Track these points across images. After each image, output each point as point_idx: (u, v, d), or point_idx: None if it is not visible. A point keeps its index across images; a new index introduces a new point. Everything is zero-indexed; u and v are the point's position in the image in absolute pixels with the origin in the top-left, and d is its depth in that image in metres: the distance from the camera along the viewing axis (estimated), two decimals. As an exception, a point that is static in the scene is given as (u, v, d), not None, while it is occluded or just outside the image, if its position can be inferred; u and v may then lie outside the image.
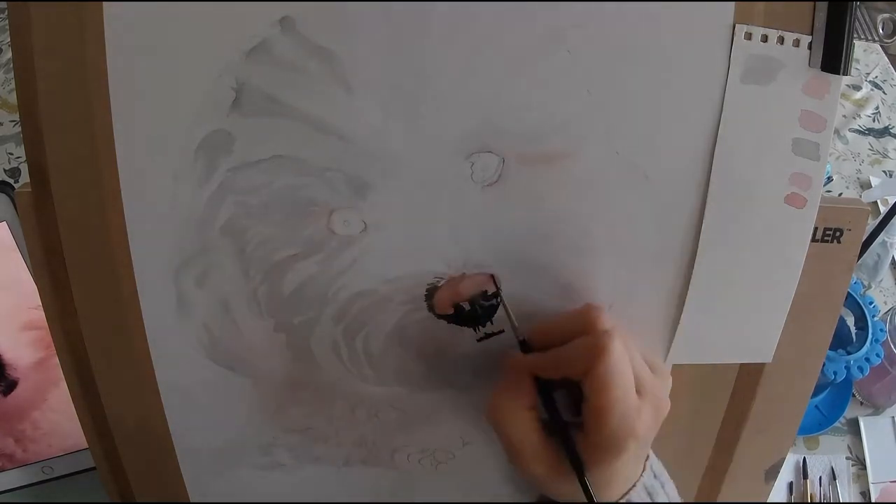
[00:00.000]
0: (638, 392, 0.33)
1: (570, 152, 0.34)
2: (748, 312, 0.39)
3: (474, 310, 0.37)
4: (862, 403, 0.66)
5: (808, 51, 0.33)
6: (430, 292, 0.36)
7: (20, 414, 0.51)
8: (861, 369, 0.59)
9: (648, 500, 0.35)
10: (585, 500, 0.33)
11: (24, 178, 0.72)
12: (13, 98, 0.76)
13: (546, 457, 0.34)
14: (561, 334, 0.34)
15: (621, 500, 0.34)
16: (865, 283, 0.71)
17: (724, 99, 0.34)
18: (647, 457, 0.37)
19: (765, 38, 0.33)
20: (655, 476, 0.36)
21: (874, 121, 0.90)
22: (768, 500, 0.48)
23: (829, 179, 0.83)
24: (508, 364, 0.35)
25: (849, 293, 0.58)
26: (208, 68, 0.31)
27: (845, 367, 0.58)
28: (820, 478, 0.61)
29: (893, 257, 0.72)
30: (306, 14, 0.31)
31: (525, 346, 0.35)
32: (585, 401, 0.32)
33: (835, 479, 0.61)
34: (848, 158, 0.86)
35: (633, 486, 0.35)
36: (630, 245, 0.37)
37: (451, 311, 0.37)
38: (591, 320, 0.34)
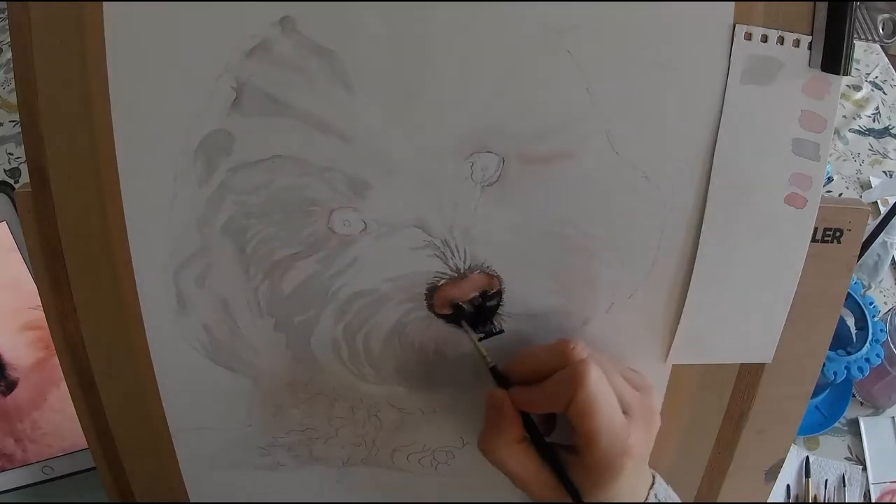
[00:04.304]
0: (625, 412, 0.33)
1: (570, 152, 0.34)
2: (748, 312, 0.39)
3: (474, 310, 0.37)
4: (862, 404, 0.66)
5: (808, 51, 0.33)
6: (430, 292, 0.36)
7: (20, 414, 0.51)
8: (861, 370, 0.59)
9: None
10: None
11: (24, 178, 0.72)
12: (13, 98, 0.76)
13: (546, 481, 0.34)
14: (537, 367, 0.35)
15: None
16: (865, 283, 0.71)
17: (724, 99, 0.34)
18: (652, 484, 0.37)
19: (765, 38, 0.33)
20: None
21: (874, 121, 0.90)
22: (768, 501, 0.48)
23: (830, 179, 0.83)
24: (490, 401, 0.35)
25: (849, 293, 0.58)
26: (208, 68, 0.31)
27: (845, 367, 0.58)
28: (826, 480, 0.61)
29: (893, 257, 0.72)
30: (306, 14, 0.31)
31: (497, 374, 0.36)
32: (573, 429, 0.33)
33: (844, 486, 0.61)
34: (848, 159, 0.86)
35: None
36: (630, 245, 0.37)
37: (450, 311, 0.37)
38: (565, 353, 0.34)
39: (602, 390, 0.32)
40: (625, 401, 0.34)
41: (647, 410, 0.35)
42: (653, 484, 0.37)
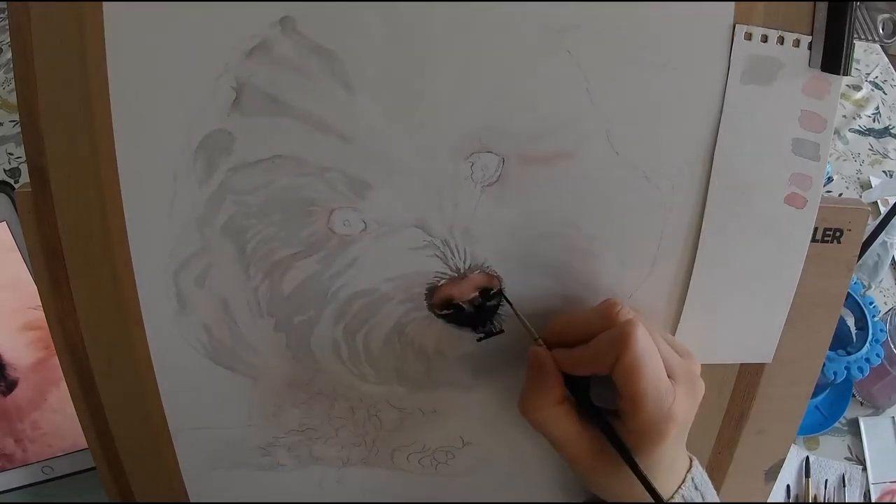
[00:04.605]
0: (670, 377, 0.32)
1: (570, 152, 0.34)
2: (748, 312, 0.39)
3: (474, 310, 0.37)
4: (862, 404, 0.66)
5: (808, 51, 0.33)
6: (430, 291, 0.36)
7: (20, 414, 0.51)
8: (861, 370, 0.59)
9: None
10: (629, 498, 0.33)
11: (24, 178, 0.72)
12: (13, 98, 0.76)
13: (587, 445, 0.34)
14: (581, 331, 0.34)
15: None
16: (865, 283, 0.71)
17: (724, 99, 0.34)
18: (690, 467, 0.36)
19: (765, 38, 0.33)
20: (696, 487, 0.36)
21: (874, 121, 0.90)
22: (768, 501, 0.48)
23: (830, 180, 0.83)
24: (532, 360, 0.35)
25: (849, 293, 0.58)
26: (208, 68, 0.31)
27: (845, 367, 0.58)
28: (826, 480, 0.61)
29: (893, 257, 0.72)
30: (306, 14, 0.31)
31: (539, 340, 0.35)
32: (618, 391, 0.32)
33: (844, 486, 0.61)
34: (848, 159, 0.86)
35: (672, 497, 0.35)
36: (630, 245, 0.37)
37: (450, 311, 0.37)
38: (611, 314, 0.33)
39: (649, 352, 0.31)
40: (670, 365, 0.33)
41: (691, 375, 0.34)
42: (690, 467, 0.36)
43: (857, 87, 0.93)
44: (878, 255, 0.70)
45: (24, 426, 0.51)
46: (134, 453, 0.41)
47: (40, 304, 0.36)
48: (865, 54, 0.97)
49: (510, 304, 0.36)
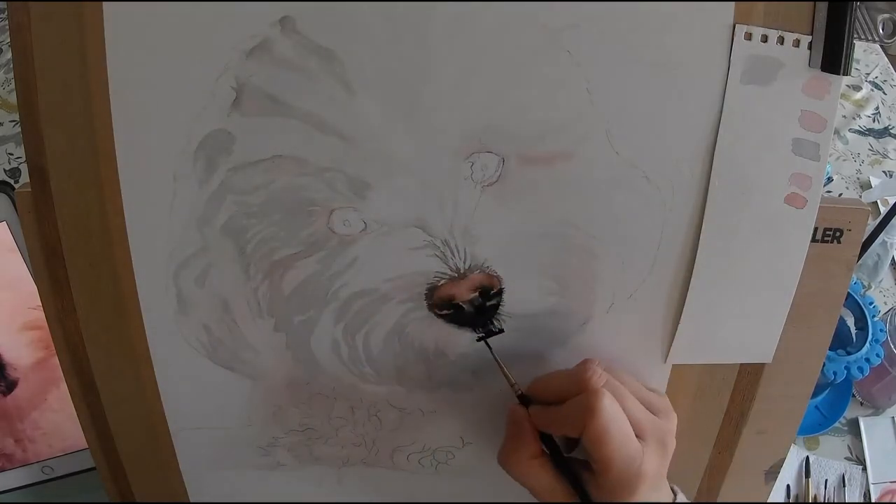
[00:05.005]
0: (639, 436, 0.34)
1: (570, 152, 0.34)
2: (748, 312, 0.39)
3: (474, 310, 0.37)
4: (862, 404, 0.66)
5: (808, 51, 0.33)
6: (430, 291, 0.36)
7: (20, 414, 0.51)
8: (861, 369, 0.58)
9: None
10: None
11: (24, 178, 0.72)
12: (13, 98, 0.76)
13: (563, 496, 0.35)
14: (558, 390, 0.35)
15: None
16: (865, 283, 0.71)
17: (724, 99, 0.34)
18: (675, 500, 0.37)
19: (765, 38, 0.33)
20: None
21: (874, 121, 0.90)
22: (768, 501, 0.48)
23: (829, 180, 0.83)
24: (510, 417, 0.37)
25: (849, 293, 0.58)
26: (208, 68, 0.31)
27: (845, 367, 0.58)
28: (826, 480, 0.61)
29: (893, 257, 0.72)
30: (306, 14, 0.31)
31: (524, 399, 0.37)
32: (588, 454, 0.34)
33: (844, 486, 0.61)
34: (848, 159, 0.86)
35: None
36: (630, 245, 0.37)
37: (450, 311, 0.37)
38: (583, 380, 0.34)
39: (614, 419, 0.33)
40: (640, 425, 0.34)
41: (662, 433, 0.35)
42: (675, 500, 0.37)
43: (857, 88, 0.93)
44: (878, 255, 0.70)
45: (24, 426, 0.51)
46: (134, 453, 0.41)
47: (40, 304, 0.36)
48: (865, 54, 0.97)
49: (496, 358, 0.37)
